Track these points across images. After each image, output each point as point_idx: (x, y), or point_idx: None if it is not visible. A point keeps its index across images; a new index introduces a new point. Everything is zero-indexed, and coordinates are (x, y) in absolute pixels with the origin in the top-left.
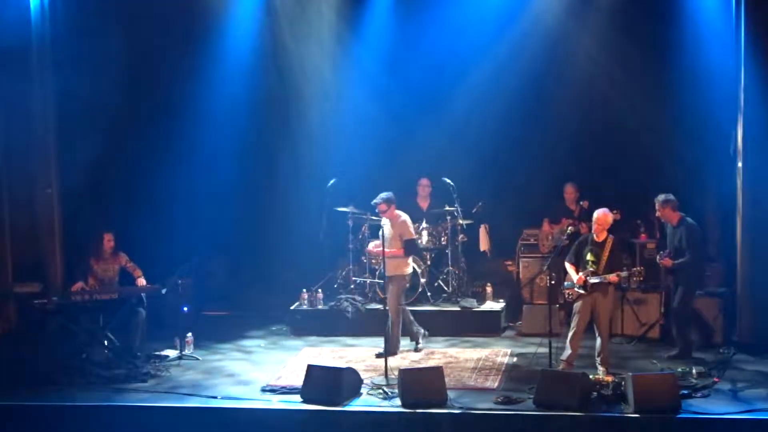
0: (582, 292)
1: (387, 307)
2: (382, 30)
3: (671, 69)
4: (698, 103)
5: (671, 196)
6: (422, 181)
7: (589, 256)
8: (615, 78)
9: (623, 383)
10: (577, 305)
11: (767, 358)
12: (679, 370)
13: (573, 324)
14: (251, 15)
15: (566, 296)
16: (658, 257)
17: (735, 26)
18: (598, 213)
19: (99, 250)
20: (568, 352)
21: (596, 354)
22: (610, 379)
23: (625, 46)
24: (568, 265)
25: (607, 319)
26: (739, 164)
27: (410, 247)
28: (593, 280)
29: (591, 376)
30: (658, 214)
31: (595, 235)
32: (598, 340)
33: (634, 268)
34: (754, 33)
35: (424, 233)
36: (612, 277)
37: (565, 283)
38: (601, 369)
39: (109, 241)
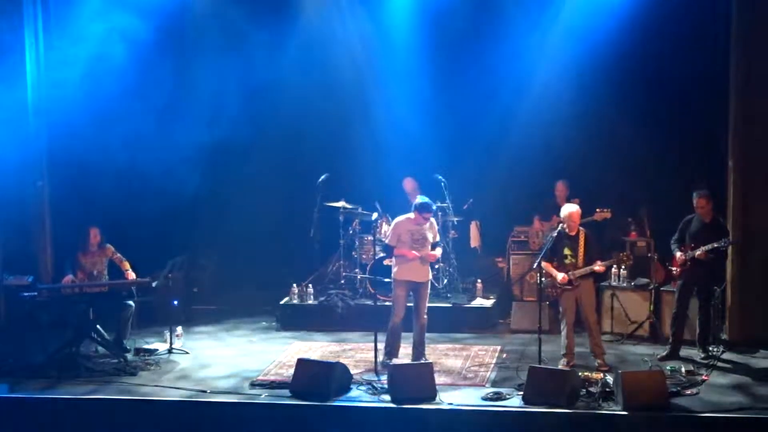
0: (569, 287)
1: (424, 314)
2: (375, 28)
3: (663, 67)
4: (689, 102)
5: None
6: (406, 184)
7: (566, 251)
8: (607, 76)
9: (612, 380)
10: (562, 302)
11: (756, 356)
12: (669, 367)
13: (564, 321)
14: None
15: (551, 294)
16: (694, 252)
17: (725, 26)
18: (570, 211)
19: (85, 245)
20: (565, 346)
21: (590, 347)
22: (599, 376)
23: (618, 44)
24: (545, 265)
25: (593, 309)
26: (730, 163)
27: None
28: (578, 273)
29: (580, 373)
30: (701, 206)
31: (568, 230)
32: (588, 334)
33: (621, 254)
34: (743, 32)
35: None
36: (598, 268)
37: (544, 282)
38: (597, 361)
39: (95, 236)
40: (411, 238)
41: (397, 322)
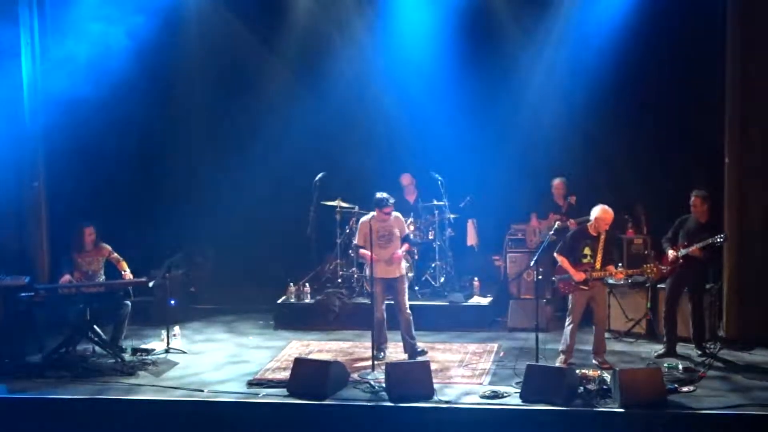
0: (585, 288)
1: (405, 309)
2: (373, 27)
3: (660, 66)
4: (687, 101)
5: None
6: (403, 178)
7: (586, 250)
8: (605, 76)
9: (609, 378)
10: (573, 299)
11: (753, 353)
12: (666, 365)
13: (570, 318)
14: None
15: (559, 289)
16: (687, 249)
17: (721, 27)
18: (601, 211)
19: (81, 244)
20: (566, 343)
21: (593, 345)
22: (596, 373)
23: (617, 44)
24: (560, 258)
25: (604, 310)
26: (726, 161)
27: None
28: (597, 275)
29: (577, 371)
30: (697, 206)
31: (591, 230)
32: (595, 332)
33: (646, 266)
34: (739, 33)
35: (411, 227)
36: (618, 274)
37: (557, 277)
38: (596, 360)
39: (90, 234)
40: (376, 236)
41: (378, 317)
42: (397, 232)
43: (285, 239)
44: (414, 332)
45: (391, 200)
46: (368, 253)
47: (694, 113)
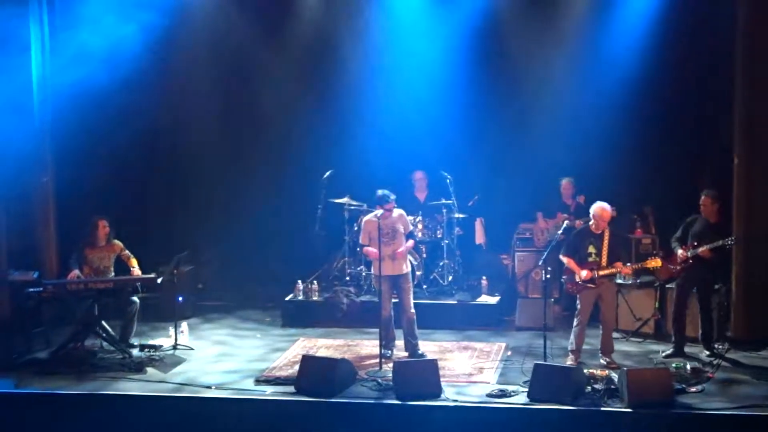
0: (592, 286)
1: (409, 308)
2: (382, 23)
3: (667, 67)
4: (695, 101)
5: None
6: (416, 174)
7: (590, 249)
8: (614, 77)
9: (617, 377)
10: (581, 299)
11: (761, 353)
12: (674, 365)
13: (578, 317)
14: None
15: (567, 290)
16: (696, 250)
17: (731, 25)
18: (598, 209)
19: (94, 238)
20: (574, 343)
21: (600, 344)
22: (604, 373)
23: (625, 46)
24: (565, 259)
25: (613, 309)
26: (735, 161)
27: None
28: (603, 273)
29: (585, 371)
30: (707, 205)
31: (594, 228)
32: (602, 331)
33: (651, 259)
34: (748, 31)
35: (420, 226)
36: (626, 270)
37: (565, 277)
38: (604, 359)
39: (104, 227)
40: (380, 234)
41: (385, 315)
42: (401, 228)
43: (293, 237)
44: (416, 332)
45: (392, 196)
46: (371, 249)
47: (703, 114)
